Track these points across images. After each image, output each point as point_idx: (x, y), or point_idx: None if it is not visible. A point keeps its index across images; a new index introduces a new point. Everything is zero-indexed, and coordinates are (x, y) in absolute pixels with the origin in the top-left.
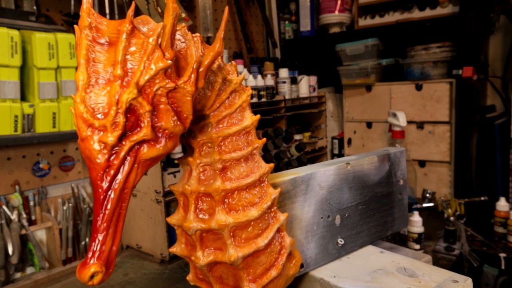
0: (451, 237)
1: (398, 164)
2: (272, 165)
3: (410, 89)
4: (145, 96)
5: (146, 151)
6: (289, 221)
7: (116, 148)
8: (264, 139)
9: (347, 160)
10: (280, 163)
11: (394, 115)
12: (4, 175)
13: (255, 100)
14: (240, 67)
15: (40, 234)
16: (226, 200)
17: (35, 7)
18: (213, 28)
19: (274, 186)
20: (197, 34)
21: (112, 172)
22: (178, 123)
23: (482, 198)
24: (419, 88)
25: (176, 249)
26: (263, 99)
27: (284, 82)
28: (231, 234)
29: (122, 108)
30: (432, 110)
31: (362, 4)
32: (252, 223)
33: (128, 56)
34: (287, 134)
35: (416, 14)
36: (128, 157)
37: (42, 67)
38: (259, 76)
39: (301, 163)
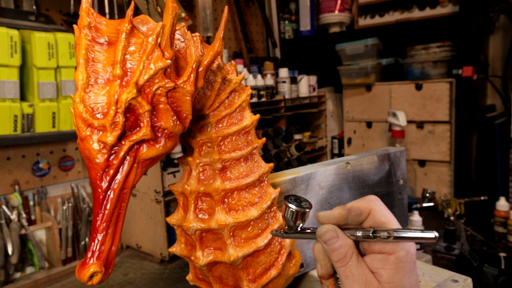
0: (451, 237)
1: (398, 163)
2: (271, 164)
3: (410, 88)
4: (145, 96)
5: (145, 151)
6: None
7: (116, 148)
8: (264, 138)
9: (347, 160)
10: (280, 163)
11: (394, 115)
12: (4, 175)
13: (255, 99)
14: (240, 67)
15: (39, 234)
16: (225, 200)
17: (34, 7)
18: (212, 27)
19: (274, 185)
20: (197, 34)
21: (111, 172)
22: (178, 122)
23: (482, 198)
24: (419, 87)
25: (176, 249)
26: (263, 99)
27: (284, 82)
28: (231, 234)
29: (122, 108)
30: (432, 110)
31: (362, 4)
32: (252, 223)
33: (127, 56)
34: (287, 134)
35: (416, 13)
36: (128, 157)
37: (41, 67)
38: (259, 76)
39: (301, 162)
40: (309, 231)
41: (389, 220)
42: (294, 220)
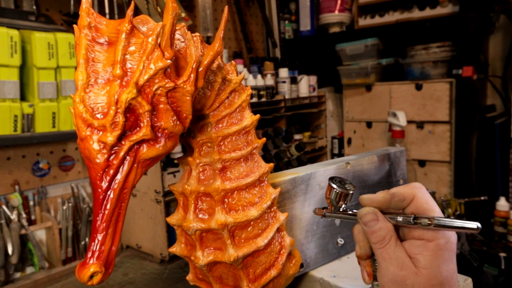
0: None
1: (398, 164)
2: (272, 164)
3: (410, 88)
4: (145, 96)
5: (145, 151)
6: (289, 220)
7: (116, 148)
8: (264, 139)
9: (347, 160)
10: (280, 163)
11: (394, 115)
12: (4, 175)
13: (255, 99)
14: (240, 67)
15: (39, 234)
16: (225, 200)
17: (34, 7)
18: (212, 27)
19: (274, 186)
20: (197, 34)
21: (111, 172)
22: (178, 122)
23: (482, 198)
24: (419, 87)
25: (176, 249)
26: (263, 99)
27: (284, 82)
28: (231, 234)
29: (122, 108)
30: (432, 110)
31: (362, 4)
32: (252, 223)
33: (127, 56)
34: (287, 134)
35: (416, 13)
36: (128, 157)
37: (41, 67)
38: (259, 76)
39: (301, 162)
40: (350, 212)
41: (432, 208)
42: (337, 201)
